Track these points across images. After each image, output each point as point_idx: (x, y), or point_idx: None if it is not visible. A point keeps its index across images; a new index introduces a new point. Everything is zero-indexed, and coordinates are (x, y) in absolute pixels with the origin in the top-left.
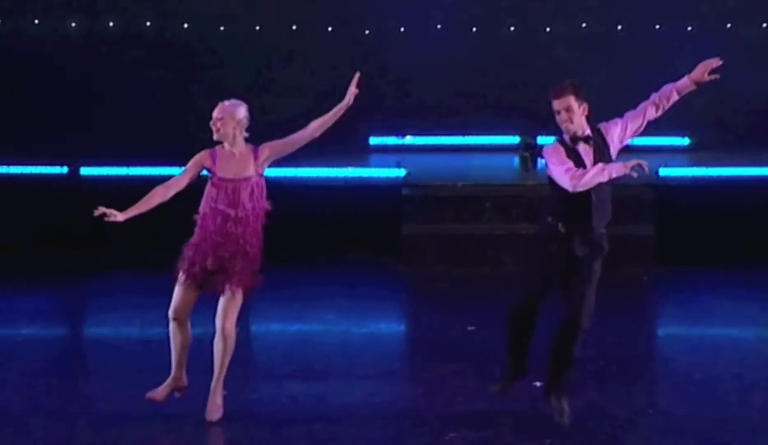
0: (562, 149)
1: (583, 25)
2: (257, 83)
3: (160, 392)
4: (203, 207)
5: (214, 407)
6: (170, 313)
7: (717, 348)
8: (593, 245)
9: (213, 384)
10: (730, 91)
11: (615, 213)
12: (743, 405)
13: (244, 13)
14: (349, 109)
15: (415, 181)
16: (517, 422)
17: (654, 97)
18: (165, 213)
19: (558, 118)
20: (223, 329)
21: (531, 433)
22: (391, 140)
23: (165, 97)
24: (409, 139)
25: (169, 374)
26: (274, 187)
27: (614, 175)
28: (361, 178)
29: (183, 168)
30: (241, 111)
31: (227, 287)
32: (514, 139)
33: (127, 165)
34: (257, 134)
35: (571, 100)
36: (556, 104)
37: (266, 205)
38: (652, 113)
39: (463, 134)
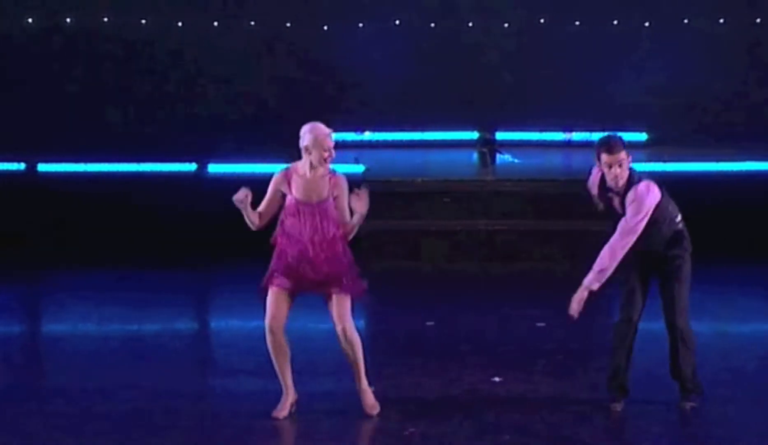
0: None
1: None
2: (216, 80)
3: (281, 411)
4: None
5: (370, 402)
6: (267, 323)
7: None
8: (674, 242)
9: (358, 384)
10: (689, 86)
11: None
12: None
13: (200, 10)
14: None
15: (374, 176)
16: (476, 416)
17: None
18: (123, 211)
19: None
20: (344, 330)
21: (489, 427)
22: (350, 136)
23: (123, 93)
24: (367, 135)
25: (127, 368)
26: (232, 182)
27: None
28: None
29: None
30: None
31: (333, 292)
32: (473, 135)
33: (85, 161)
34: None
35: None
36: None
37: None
38: None
39: (422, 130)
